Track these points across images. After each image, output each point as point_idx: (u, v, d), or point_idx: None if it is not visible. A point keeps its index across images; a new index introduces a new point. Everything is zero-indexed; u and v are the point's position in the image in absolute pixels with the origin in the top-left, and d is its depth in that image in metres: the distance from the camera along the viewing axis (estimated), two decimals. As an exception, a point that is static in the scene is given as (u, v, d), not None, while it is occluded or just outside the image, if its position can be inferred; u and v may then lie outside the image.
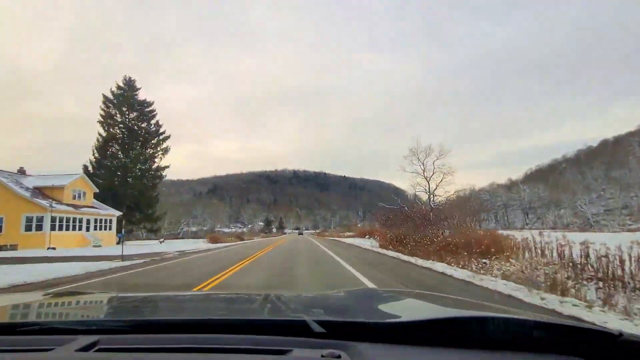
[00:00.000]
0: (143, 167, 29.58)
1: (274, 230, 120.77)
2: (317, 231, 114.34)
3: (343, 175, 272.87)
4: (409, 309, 1.34)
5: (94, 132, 27.61)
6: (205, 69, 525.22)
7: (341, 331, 0.89)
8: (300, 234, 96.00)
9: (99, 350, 0.84)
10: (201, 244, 27.92)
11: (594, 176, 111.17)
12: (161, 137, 30.90)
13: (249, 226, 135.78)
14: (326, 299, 1.58)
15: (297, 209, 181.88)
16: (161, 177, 31.05)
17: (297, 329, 0.91)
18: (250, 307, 1.47)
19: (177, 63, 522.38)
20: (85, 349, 0.83)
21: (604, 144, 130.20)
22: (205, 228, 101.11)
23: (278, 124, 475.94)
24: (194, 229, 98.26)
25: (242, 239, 46.03)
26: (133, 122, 30.07)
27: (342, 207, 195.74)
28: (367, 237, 24.17)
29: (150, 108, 30.84)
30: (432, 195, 32.11)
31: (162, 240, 30.09)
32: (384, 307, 1.33)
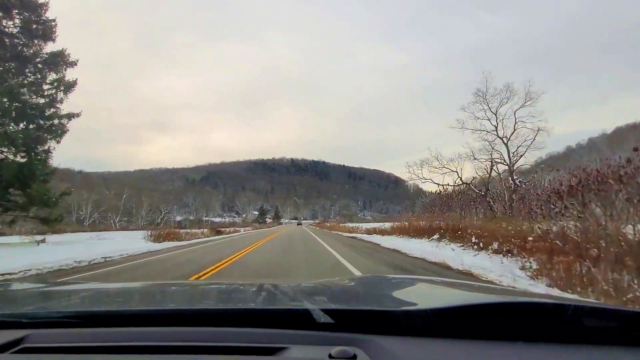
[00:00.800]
0: (21, 111, 16.31)
1: (269, 220, 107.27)
2: (317, 221, 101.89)
3: (342, 164, 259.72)
4: (428, 296, 1.12)
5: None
6: (203, 58, 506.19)
7: (352, 322, 0.71)
8: (299, 224, 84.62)
9: (22, 350, 0.65)
10: (132, 245, 15.30)
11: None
12: (55, 60, 17.46)
13: (244, 215, 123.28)
14: (332, 287, 1.32)
15: (294, 197, 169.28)
16: (60, 132, 17.66)
17: (297, 320, 0.72)
18: (238, 296, 1.20)
19: (174, 52, 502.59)
20: (2, 348, 0.65)
21: (619, 131, 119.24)
22: (191, 217, 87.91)
23: (276, 112, 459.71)
24: (178, 218, 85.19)
25: (220, 232, 32.82)
26: (5, 30, 16.72)
27: (342, 196, 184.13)
28: (436, 237, 11.02)
29: (40, 13, 17.48)
30: (512, 167, 19.10)
31: (41, 239, 16.82)
32: (399, 294, 1.12)
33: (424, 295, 1.13)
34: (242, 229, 48.75)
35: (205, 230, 32.08)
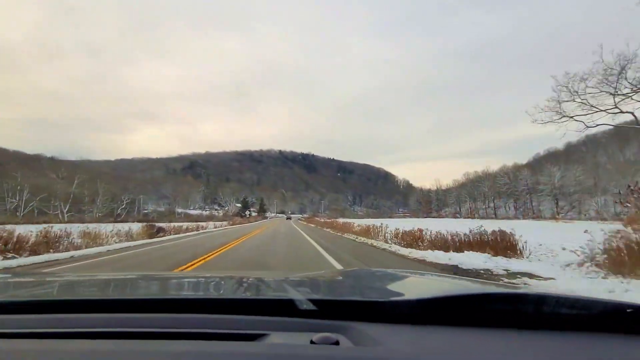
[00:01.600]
0: None
1: (252, 213, 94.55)
2: (305, 215, 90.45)
3: (332, 157, 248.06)
4: (415, 287, 1.11)
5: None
6: (193, 48, 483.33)
7: (336, 310, 0.69)
8: (288, 218, 73.66)
9: None
10: None
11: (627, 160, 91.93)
12: None
13: (226, 208, 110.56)
14: (317, 279, 1.28)
15: (282, 190, 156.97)
16: None
17: (280, 308, 0.70)
18: (221, 286, 1.15)
19: (162, 41, 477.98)
20: None
21: (622, 129, 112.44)
22: (161, 209, 74.66)
23: (266, 105, 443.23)
24: (146, 209, 72.09)
25: (162, 232, 20.62)
26: None
27: (331, 190, 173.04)
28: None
29: None
30: None
31: None
32: (385, 286, 1.09)
33: (411, 287, 1.10)
34: (211, 224, 36.23)
35: (136, 226, 19.50)
